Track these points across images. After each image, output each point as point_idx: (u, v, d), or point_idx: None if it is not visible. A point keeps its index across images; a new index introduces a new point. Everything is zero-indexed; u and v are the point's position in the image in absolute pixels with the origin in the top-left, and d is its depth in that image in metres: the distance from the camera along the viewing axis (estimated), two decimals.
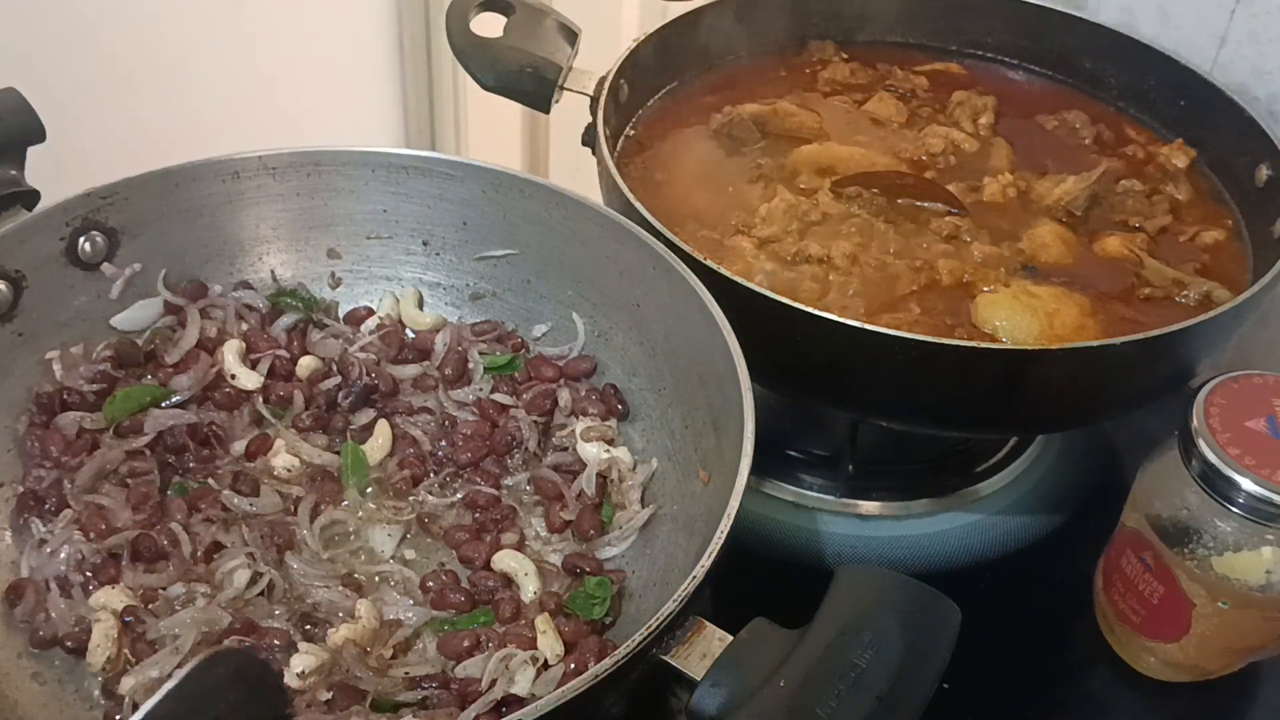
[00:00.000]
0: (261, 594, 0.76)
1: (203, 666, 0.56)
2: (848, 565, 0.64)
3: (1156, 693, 0.85)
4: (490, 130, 1.82)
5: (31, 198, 0.85)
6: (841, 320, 0.77)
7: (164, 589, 0.75)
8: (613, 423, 0.86)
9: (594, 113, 0.96)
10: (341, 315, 0.93)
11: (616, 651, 0.59)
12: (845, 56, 1.15)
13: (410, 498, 0.83)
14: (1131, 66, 1.09)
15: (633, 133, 1.05)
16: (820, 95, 1.11)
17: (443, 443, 0.85)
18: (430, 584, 0.77)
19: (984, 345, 0.79)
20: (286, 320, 0.91)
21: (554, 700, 0.57)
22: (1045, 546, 0.96)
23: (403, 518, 0.81)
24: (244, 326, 0.90)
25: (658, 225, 0.83)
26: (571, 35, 1.03)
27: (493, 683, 0.70)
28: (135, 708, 0.68)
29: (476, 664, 0.72)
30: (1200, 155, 1.05)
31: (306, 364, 0.89)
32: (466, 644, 0.73)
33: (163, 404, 0.84)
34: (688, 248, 0.81)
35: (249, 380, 0.86)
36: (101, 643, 0.71)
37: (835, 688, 0.57)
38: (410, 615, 0.75)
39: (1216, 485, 0.76)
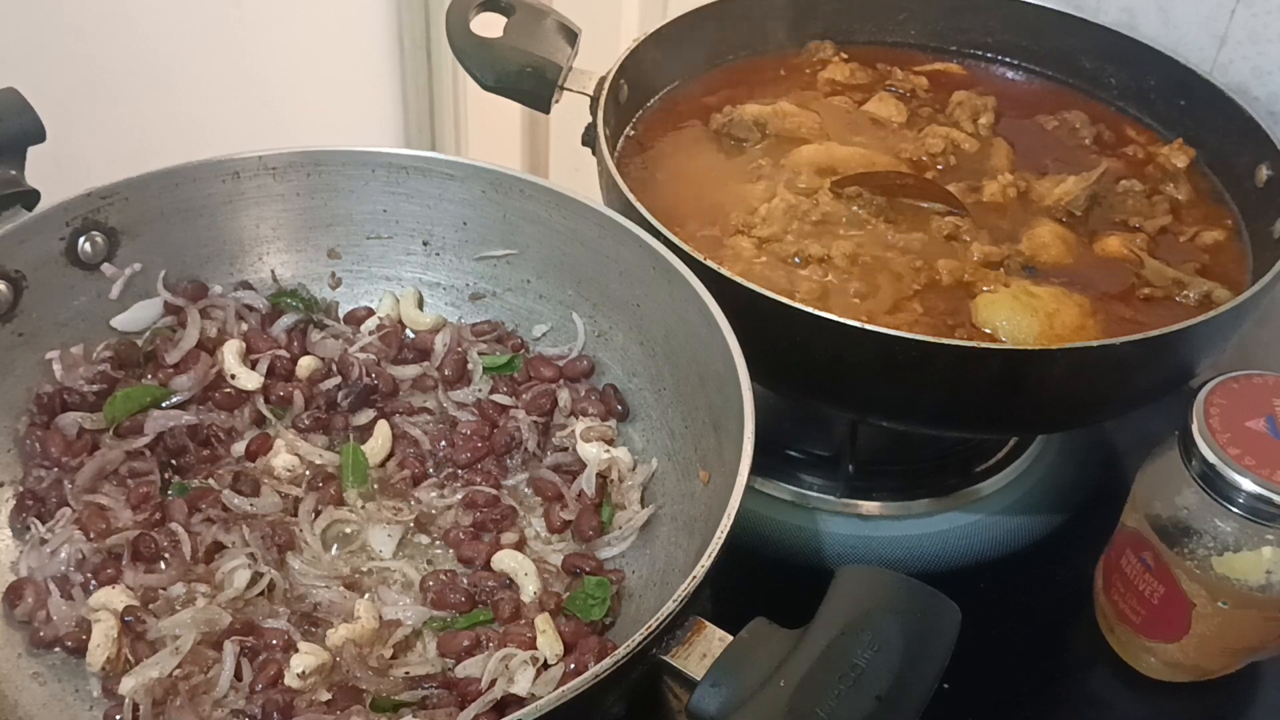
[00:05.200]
0: (261, 594, 0.76)
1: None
2: (848, 565, 0.64)
3: (1156, 693, 0.85)
4: (490, 130, 1.82)
5: (31, 198, 0.85)
6: (841, 320, 0.77)
7: (164, 589, 0.75)
8: (612, 423, 0.86)
9: (594, 113, 0.96)
10: (341, 315, 0.93)
11: (616, 651, 0.59)
12: (845, 56, 1.15)
13: (410, 498, 0.83)
14: (1131, 66, 1.09)
15: (633, 133, 1.05)
16: (820, 95, 1.11)
17: (443, 443, 0.85)
18: (430, 584, 0.77)
19: (984, 345, 0.79)
20: (286, 320, 0.91)
21: (554, 700, 0.57)
22: (1045, 546, 0.96)
23: (403, 518, 0.81)
24: (244, 326, 0.90)
25: (658, 225, 0.83)
26: (571, 35, 1.03)
27: (492, 683, 0.70)
28: (135, 708, 0.68)
29: (476, 664, 0.72)
30: (1200, 155, 1.05)
31: (306, 364, 0.89)
32: (466, 644, 0.73)
33: (163, 404, 0.84)
34: (688, 248, 0.81)
35: (249, 380, 0.86)
36: (101, 643, 0.71)
37: (835, 688, 0.57)
38: (410, 615, 0.75)
39: (1216, 485, 0.76)
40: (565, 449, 0.85)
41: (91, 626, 0.72)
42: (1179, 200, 1.01)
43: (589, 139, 0.97)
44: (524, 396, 0.87)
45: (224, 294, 0.91)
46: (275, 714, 0.68)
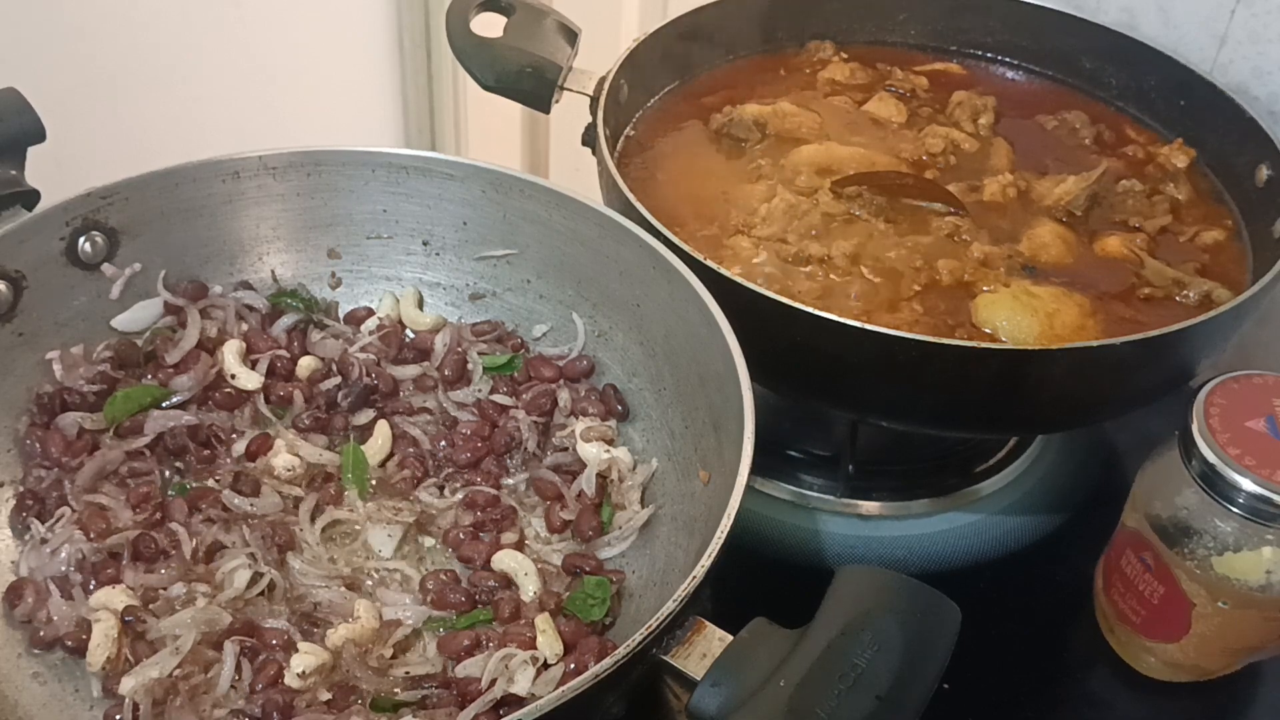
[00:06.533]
0: (261, 594, 0.76)
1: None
2: (848, 565, 0.64)
3: (1156, 693, 0.85)
4: (490, 130, 1.82)
5: (31, 198, 0.85)
6: (841, 320, 0.77)
7: (164, 589, 0.75)
8: (612, 423, 0.86)
9: (594, 113, 0.96)
10: (341, 315, 0.93)
11: (616, 651, 0.59)
12: (845, 56, 1.15)
13: (410, 498, 0.83)
14: (1131, 66, 1.09)
15: (633, 133, 1.05)
16: (820, 95, 1.11)
17: (443, 443, 0.85)
18: (430, 584, 0.77)
19: (984, 345, 0.79)
20: (286, 320, 0.91)
21: (554, 700, 0.57)
22: (1045, 546, 0.96)
23: (403, 518, 0.81)
24: (244, 327, 0.90)
25: (658, 225, 0.83)
26: (571, 35, 1.03)
27: (492, 682, 0.70)
28: (135, 708, 0.68)
29: (476, 664, 0.72)
30: (1200, 155, 1.04)
31: (306, 364, 0.89)
32: (466, 644, 0.73)
33: (163, 404, 0.84)
34: (688, 248, 0.81)
35: (249, 380, 0.86)
36: (101, 643, 0.71)
37: (835, 688, 0.57)
38: (410, 615, 0.75)
39: (1216, 485, 0.76)
40: (565, 449, 0.85)
41: (91, 626, 0.72)
42: (1179, 200, 1.01)
43: (589, 139, 0.97)
44: (524, 396, 0.87)
45: (224, 294, 0.91)
46: (275, 714, 0.68)
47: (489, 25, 1.02)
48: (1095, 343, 0.79)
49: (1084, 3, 1.14)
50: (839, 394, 0.86)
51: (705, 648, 0.62)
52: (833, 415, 0.97)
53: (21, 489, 0.80)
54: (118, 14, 1.34)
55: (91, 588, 0.75)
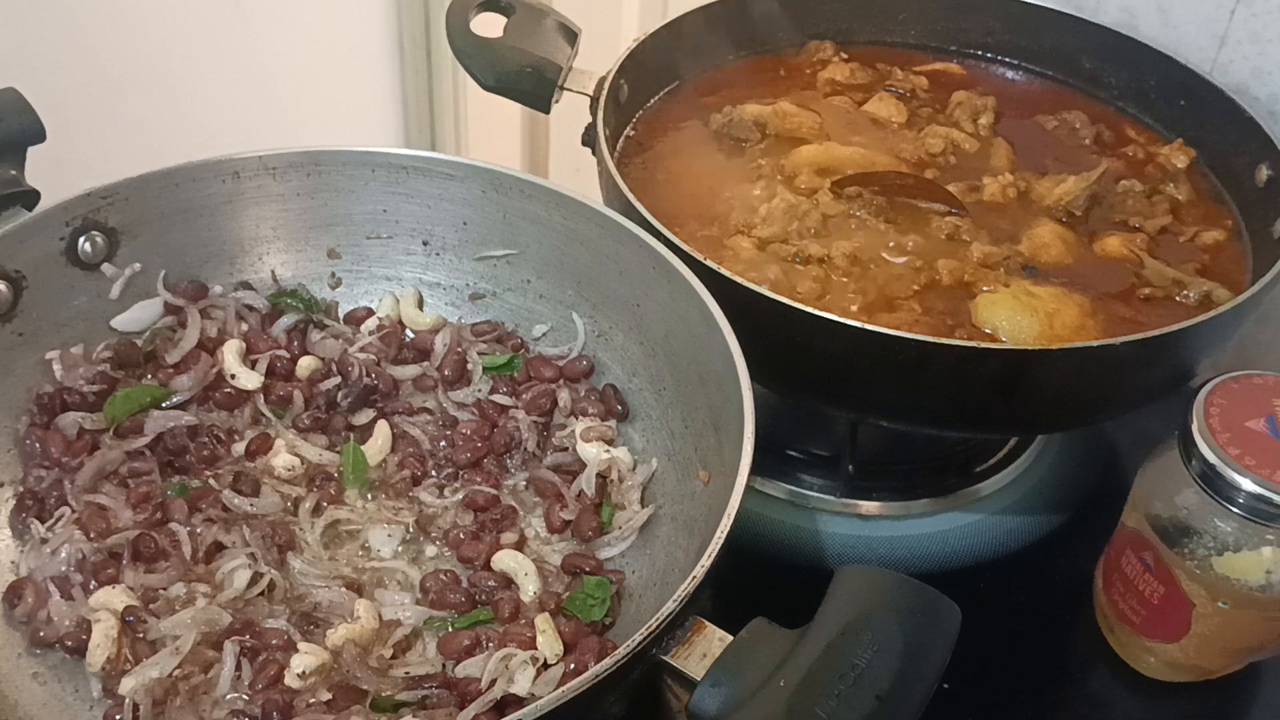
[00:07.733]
0: (262, 594, 0.76)
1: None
2: (848, 565, 0.64)
3: (1156, 693, 0.85)
4: (490, 130, 1.82)
5: (31, 198, 0.85)
6: (841, 320, 0.77)
7: (164, 589, 0.75)
8: (612, 423, 0.86)
9: (594, 113, 0.96)
10: (341, 315, 0.93)
11: (616, 651, 0.59)
12: (845, 56, 1.15)
13: (410, 498, 0.83)
14: (1131, 66, 1.09)
15: (633, 133, 1.05)
16: (820, 95, 1.11)
17: (442, 443, 0.85)
18: (430, 584, 0.77)
19: (984, 345, 0.79)
20: (286, 320, 0.91)
21: (554, 700, 0.57)
22: (1045, 546, 0.96)
23: (403, 518, 0.81)
24: (244, 327, 0.90)
25: (658, 225, 0.83)
26: (571, 35, 1.03)
27: (492, 682, 0.70)
28: (135, 708, 0.68)
29: (476, 664, 0.72)
30: (1200, 155, 1.05)
31: (306, 364, 0.89)
32: (466, 644, 0.73)
33: (163, 404, 0.84)
34: (688, 248, 0.81)
35: (249, 380, 0.86)
36: (101, 643, 0.71)
37: (835, 688, 0.57)
38: (410, 615, 0.75)
39: (1216, 485, 0.76)
40: (565, 449, 0.85)
41: (91, 626, 0.72)
42: (1179, 200, 1.01)
43: (589, 139, 0.97)
44: (524, 396, 0.87)
45: (224, 294, 0.91)
46: (275, 714, 0.68)
47: (489, 25, 1.02)
48: (1095, 343, 0.79)
49: (1084, 3, 1.14)
50: (839, 394, 0.86)
51: (705, 648, 0.62)
52: (833, 415, 0.97)
53: (21, 489, 0.80)
54: (118, 14, 1.34)
55: (91, 588, 0.75)
